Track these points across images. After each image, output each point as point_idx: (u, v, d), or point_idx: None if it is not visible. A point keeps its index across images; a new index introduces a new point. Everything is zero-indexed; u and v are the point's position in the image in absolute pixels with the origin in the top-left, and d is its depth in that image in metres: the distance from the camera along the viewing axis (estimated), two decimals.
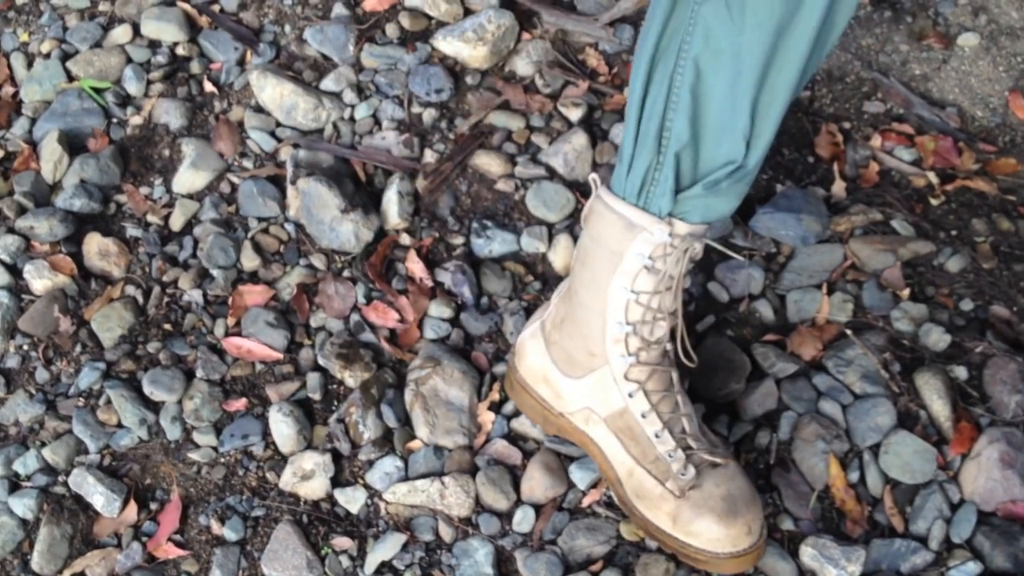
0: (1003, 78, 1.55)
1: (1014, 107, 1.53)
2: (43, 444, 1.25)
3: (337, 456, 1.23)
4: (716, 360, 1.28)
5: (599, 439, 1.15)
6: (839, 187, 1.45)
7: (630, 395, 1.11)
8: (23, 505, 1.20)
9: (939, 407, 1.22)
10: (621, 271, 1.07)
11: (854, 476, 1.19)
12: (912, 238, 1.38)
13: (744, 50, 0.92)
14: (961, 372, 1.26)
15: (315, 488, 1.20)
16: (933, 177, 1.46)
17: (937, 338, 1.28)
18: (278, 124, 1.52)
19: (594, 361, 1.13)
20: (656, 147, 1.00)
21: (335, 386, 1.29)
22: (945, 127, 1.51)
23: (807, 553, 1.12)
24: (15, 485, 1.23)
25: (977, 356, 1.27)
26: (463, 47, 1.54)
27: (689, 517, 1.08)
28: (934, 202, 1.44)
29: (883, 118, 1.53)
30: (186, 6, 1.62)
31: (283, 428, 1.23)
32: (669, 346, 1.12)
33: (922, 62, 1.57)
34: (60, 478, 1.23)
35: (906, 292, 1.33)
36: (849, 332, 1.29)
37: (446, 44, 1.55)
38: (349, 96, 1.53)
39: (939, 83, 1.56)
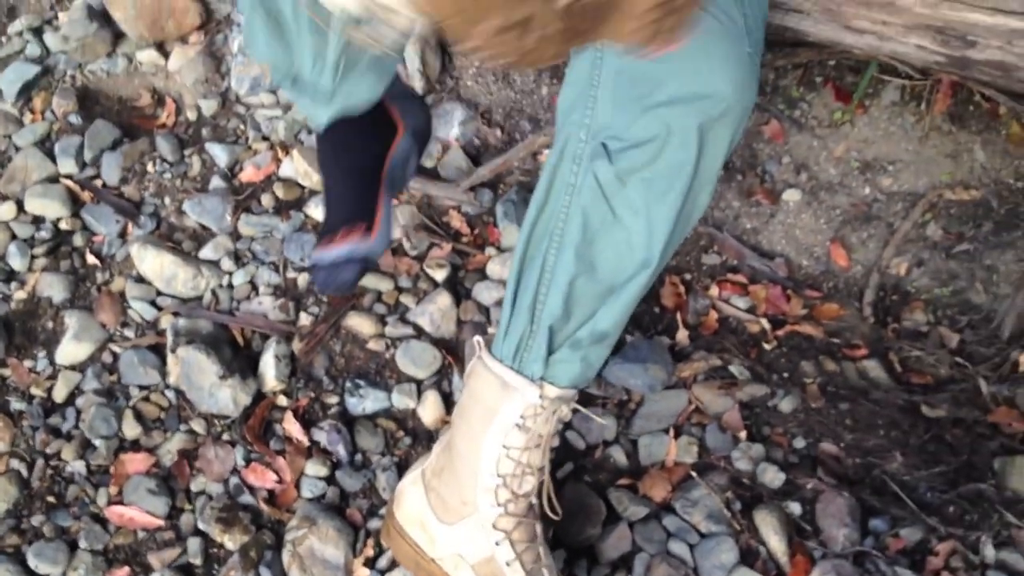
0: (824, 229, 1.72)
1: (835, 256, 1.70)
2: None
3: None
4: (574, 506, 1.38)
5: None
6: (683, 335, 1.58)
7: (497, 543, 1.21)
8: None
9: (776, 542, 1.33)
10: (495, 427, 1.18)
11: None
12: (748, 381, 1.52)
13: (624, 239, 1.06)
14: (795, 508, 1.38)
15: None
16: (766, 323, 1.61)
17: (772, 476, 1.41)
18: (159, 293, 1.60)
19: (465, 509, 1.22)
20: (529, 319, 1.12)
21: (216, 550, 1.36)
22: (775, 276, 1.67)
23: None
24: None
25: (809, 492, 1.39)
26: None
27: None
28: (767, 347, 1.58)
29: (720, 269, 1.68)
30: (69, 182, 1.71)
31: None
32: (535, 500, 1.22)
33: (752, 216, 1.73)
34: None
35: (744, 433, 1.46)
36: (694, 474, 1.41)
37: (319, 212, 1.66)
38: (227, 264, 1.62)
39: (768, 235, 1.73)
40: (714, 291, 1.65)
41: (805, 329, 1.60)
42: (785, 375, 1.55)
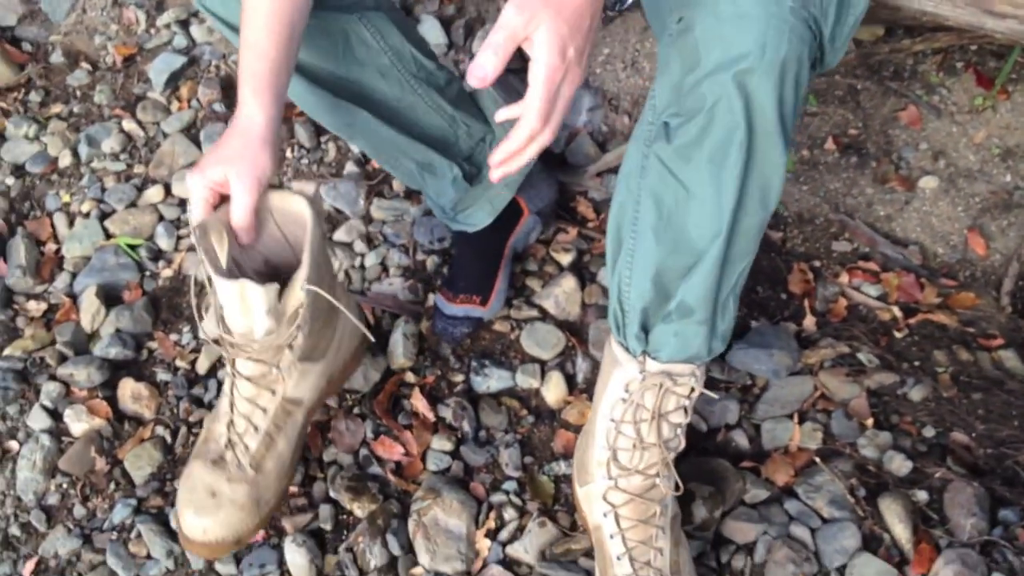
0: (962, 217, 1.68)
1: (973, 244, 1.65)
2: None
3: None
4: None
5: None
6: (810, 322, 1.56)
7: (604, 515, 1.24)
8: None
9: (900, 530, 1.31)
10: (605, 399, 1.22)
11: None
12: (877, 369, 1.49)
13: (700, 212, 1.03)
14: (922, 496, 1.35)
15: None
16: (897, 311, 1.57)
17: (899, 464, 1.38)
18: None
19: (587, 476, 1.27)
20: (619, 300, 1.14)
21: (345, 516, 1.40)
22: (908, 264, 1.64)
23: None
24: None
25: (937, 481, 1.36)
26: None
27: None
28: (898, 335, 1.55)
29: (850, 256, 1.66)
30: None
31: (297, 558, 1.34)
32: (659, 481, 1.23)
33: (886, 204, 1.70)
34: None
35: (871, 421, 1.44)
36: (818, 459, 1.40)
37: None
38: (359, 246, 1.68)
39: (902, 223, 1.69)
40: (844, 278, 1.62)
41: (939, 318, 1.57)
42: (916, 364, 1.51)
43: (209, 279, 1.15)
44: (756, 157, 0.99)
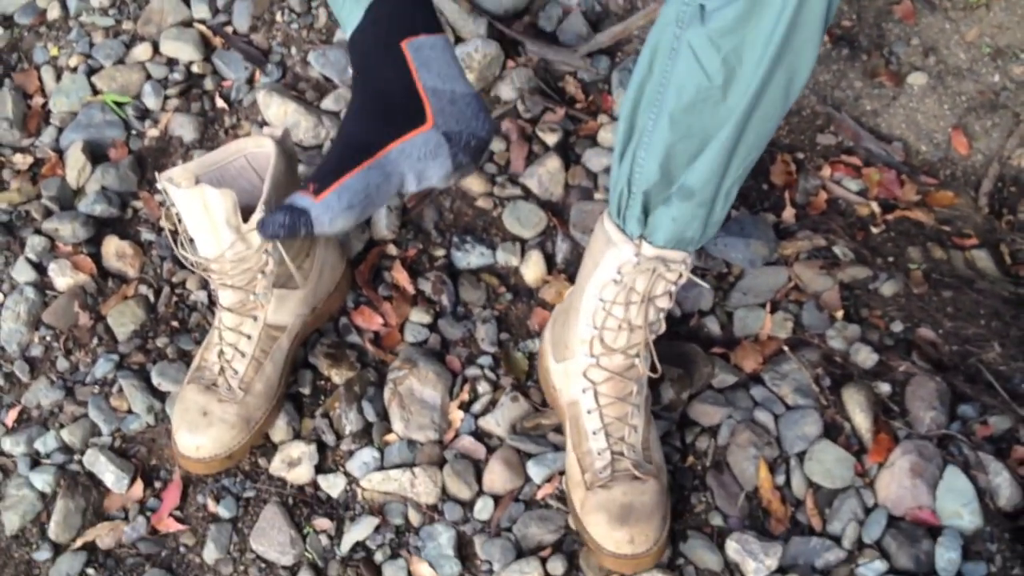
0: (947, 115, 1.69)
1: (956, 143, 1.66)
2: (61, 426, 1.40)
3: (322, 446, 1.37)
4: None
5: (562, 417, 1.33)
6: (789, 213, 1.58)
7: (583, 391, 1.27)
8: (42, 480, 1.35)
9: (861, 420, 1.36)
10: (595, 279, 1.23)
11: (780, 479, 1.33)
12: (851, 263, 1.52)
13: (719, 102, 1.02)
14: (885, 388, 1.39)
15: (301, 474, 1.35)
16: (876, 207, 1.59)
17: (865, 356, 1.42)
18: None
19: (568, 352, 1.30)
20: (627, 182, 1.14)
21: (323, 382, 1.44)
22: (891, 160, 1.65)
23: (731, 547, 1.27)
24: (35, 462, 1.38)
25: (901, 374, 1.40)
26: None
27: (590, 508, 1.23)
28: (875, 230, 1.57)
29: (834, 150, 1.67)
30: (202, 27, 1.77)
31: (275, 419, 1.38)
32: (638, 361, 1.26)
33: (873, 98, 1.70)
34: (76, 457, 1.38)
35: (841, 313, 1.47)
36: (786, 348, 1.43)
37: None
38: None
39: (888, 118, 1.70)
40: (826, 172, 1.64)
41: (916, 215, 1.59)
42: (890, 259, 1.54)
43: (178, 216, 1.22)
44: (793, 48, 0.96)
